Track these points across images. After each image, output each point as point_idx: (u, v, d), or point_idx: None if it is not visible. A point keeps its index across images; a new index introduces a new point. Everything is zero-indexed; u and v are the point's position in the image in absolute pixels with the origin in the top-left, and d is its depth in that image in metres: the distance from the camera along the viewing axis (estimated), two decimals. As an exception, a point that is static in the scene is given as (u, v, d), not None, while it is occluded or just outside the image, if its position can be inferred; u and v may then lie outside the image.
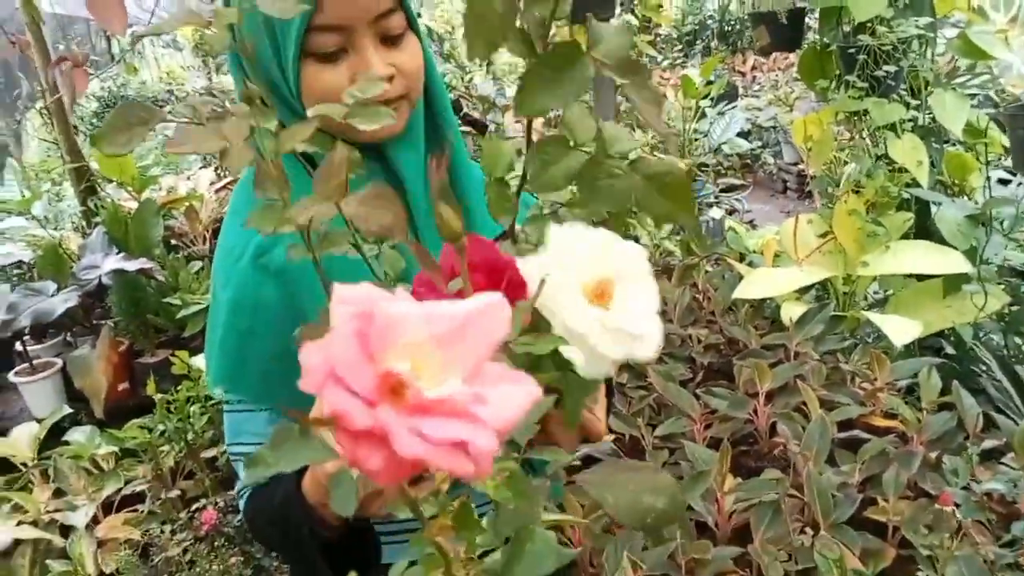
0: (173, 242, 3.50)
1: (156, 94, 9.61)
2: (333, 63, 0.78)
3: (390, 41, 0.81)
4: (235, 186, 0.98)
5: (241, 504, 0.92)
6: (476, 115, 3.64)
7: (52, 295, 2.77)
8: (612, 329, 0.37)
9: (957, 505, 1.20)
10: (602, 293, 0.38)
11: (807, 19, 2.57)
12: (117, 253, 2.94)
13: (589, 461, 1.58)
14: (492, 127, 3.92)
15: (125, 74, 9.38)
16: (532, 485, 0.36)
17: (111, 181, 3.60)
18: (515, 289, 0.51)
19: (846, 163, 2.26)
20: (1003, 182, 2.66)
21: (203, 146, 0.49)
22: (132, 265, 2.82)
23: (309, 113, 0.50)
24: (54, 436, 2.37)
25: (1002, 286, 2.05)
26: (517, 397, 0.28)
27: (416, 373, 0.28)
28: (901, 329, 1.76)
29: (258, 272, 0.82)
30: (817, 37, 2.41)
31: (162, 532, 1.93)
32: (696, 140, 4.30)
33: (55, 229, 3.73)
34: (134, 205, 3.38)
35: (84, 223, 3.51)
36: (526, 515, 0.35)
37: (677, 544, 1.27)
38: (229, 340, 0.85)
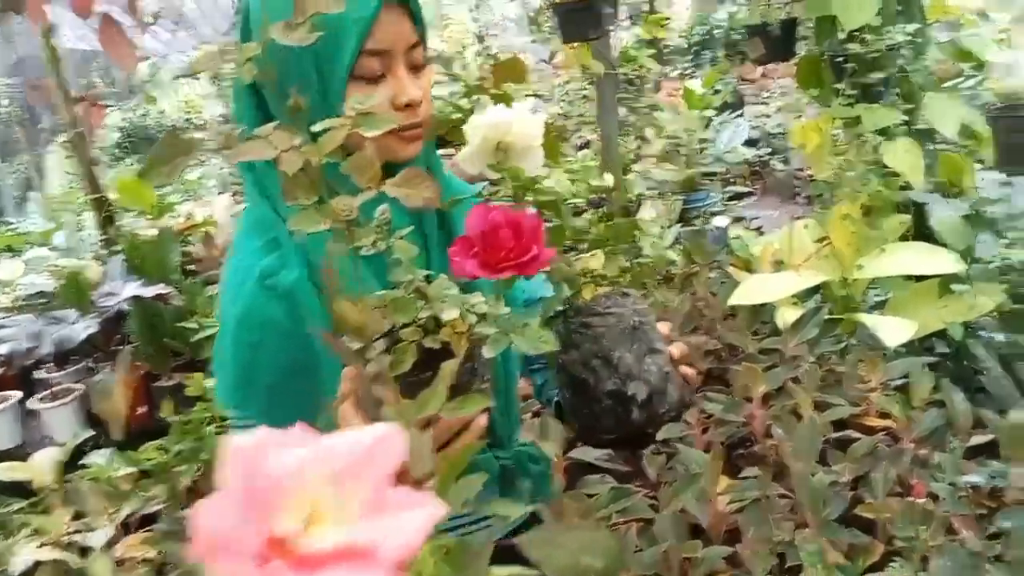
0: (190, 267, 3.58)
1: (175, 122, 9.81)
2: (375, 85, 0.86)
3: (414, 70, 0.89)
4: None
5: None
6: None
7: (73, 323, 2.85)
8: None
9: (934, 497, 1.22)
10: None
11: (800, 29, 2.60)
12: (136, 280, 3.02)
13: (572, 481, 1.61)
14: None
15: (145, 104, 9.60)
16: (472, 552, 0.39)
17: (130, 210, 3.70)
18: (536, 232, 0.61)
19: (841, 168, 2.29)
20: (1006, 184, 2.67)
21: (260, 154, 0.57)
22: (150, 291, 2.90)
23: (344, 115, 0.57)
24: (73, 460, 2.44)
25: (1004, 285, 2.06)
26: (417, 522, 0.29)
27: (314, 519, 0.29)
28: (894, 330, 1.78)
29: (264, 292, 0.86)
30: (812, 46, 2.45)
31: (178, 551, 1.98)
32: (703, 149, 4.34)
33: (76, 259, 3.82)
34: (153, 232, 3.46)
35: (104, 252, 3.60)
36: None
37: (668, 544, 1.30)
38: (237, 354, 0.89)
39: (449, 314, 0.61)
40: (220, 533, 0.28)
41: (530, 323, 0.63)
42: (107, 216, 3.55)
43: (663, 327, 0.87)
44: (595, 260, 2.49)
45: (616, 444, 0.96)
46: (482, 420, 0.67)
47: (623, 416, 0.79)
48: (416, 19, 0.88)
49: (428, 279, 0.64)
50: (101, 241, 3.66)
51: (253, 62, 0.55)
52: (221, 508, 0.28)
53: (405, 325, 0.60)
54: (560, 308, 0.82)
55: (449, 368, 0.53)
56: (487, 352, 0.61)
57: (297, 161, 0.54)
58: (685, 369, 0.87)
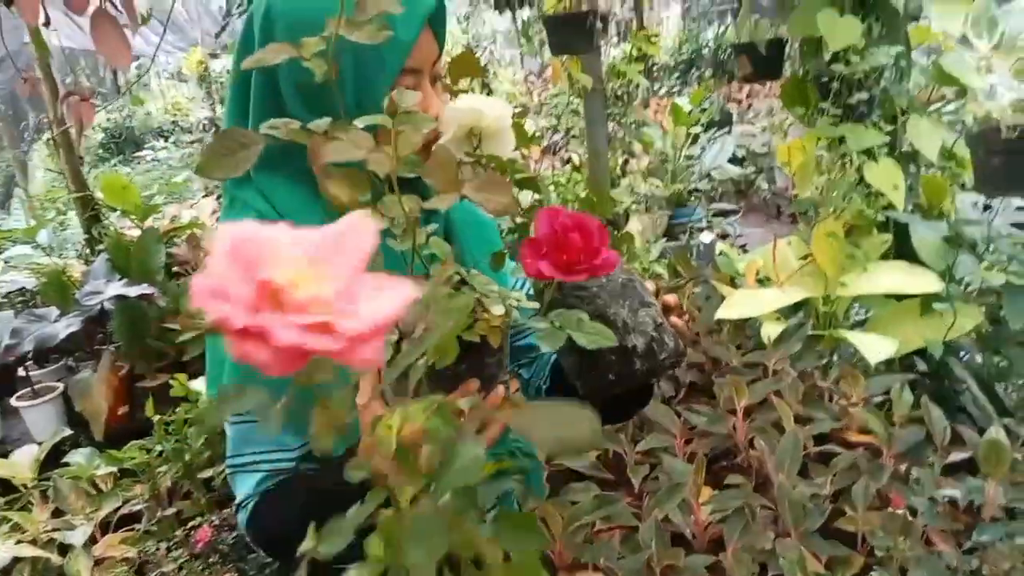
0: (175, 269, 3.57)
1: (161, 125, 9.77)
2: (414, 78, 0.90)
3: (434, 83, 0.94)
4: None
5: (243, 516, 0.95)
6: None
7: (55, 320, 2.83)
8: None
9: (912, 511, 1.25)
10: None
11: (787, 49, 2.64)
12: (119, 280, 3.00)
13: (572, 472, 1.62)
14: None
15: (132, 105, 9.55)
16: (457, 415, 0.41)
17: (115, 210, 3.68)
18: (603, 235, 0.63)
19: (825, 186, 2.33)
20: (988, 207, 2.72)
21: (346, 155, 0.59)
22: (134, 291, 2.88)
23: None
24: (53, 459, 2.42)
25: (982, 307, 2.10)
26: (391, 297, 0.33)
27: (292, 286, 0.32)
28: (876, 347, 1.81)
29: None
30: (797, 66, 2.49)
31: (157, 550, 1.97)
32: (689, 167, 4.38)
33: (59, 257, 3.80)
34: (137, 233, 3.45)
35: (88, 251, 3.58)
36: (455, 436, 0.39)
37: (652, 551, 1.32)
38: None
39: (496, 310, 0.63)
40: (214, 284, 0.31)
41: (583, 318, 0.66)
42: (92, 215, 3.53)
43: (649, 284, 0.90)
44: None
45: (623, 404, 0.98)
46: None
47: (627, 369, 0.82)
48: (439, 37, 0.93)
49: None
50: (85, 240, 3.64)
51: (320, 57, 0.57)
52: (216, 266, 0.32)
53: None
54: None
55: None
56: (544, 347, 0.63)
57: (386, 163, 0.55)
58: (675, 320, 0.89)
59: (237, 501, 0.97)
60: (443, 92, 0.97)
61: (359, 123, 0.63)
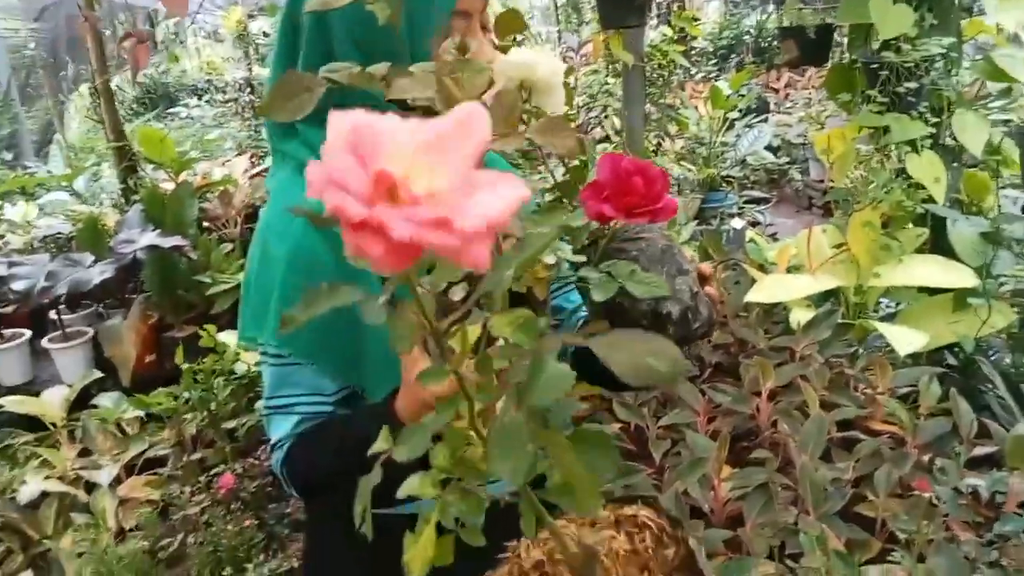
0: (206, 224, 3.61)
1: (196, 83, 9.81)
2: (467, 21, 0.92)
3: (484, 31, 0.95)
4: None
5: (277, 456, 0.97)
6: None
7: (89, 266, 2.87)
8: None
9: (938, 500, 1.25)
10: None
11: (835, 35, 2.61)
12: (153, 230, 3.04)
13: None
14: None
15: (167, 63, 9.59)
16: (547, 330, 0.41)
17: (151, 162, 3.72)
18: (665, 182, 0.64)
19: (864, 176, 2.30)
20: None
21: (415, 93, 0.58)
22: (167, 242, 2.92)
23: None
24: (81, 403, 2.47)
25: (1015, 307, 2.08)
26: (506, 193, 0.32)
27: (410, 177, 0.32)
28: (906, 339, 1.80)
29: (313, 231, 0.89)
30: (845, 52, 2.46)
31: (181, 494, 2.01)
32: (724, 152, 4.35)
33: (94, 205, 3.85)
34: (171, 186, 3.49)
35: (123, 200, 3.63)
36: (541, 350, 0.39)
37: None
38: (284, 294, 0.91)
39: (547, 259, 0.63)
40: (331, 174, 0.30)
41: (636, 269, 0.66)
42: (128, 166, 3.57)
43: (687, 251, 0.90)
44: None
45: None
46: None
47: (659, 331, 0.82)
48: None
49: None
50: (120, 190, 3.68)
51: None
52: (331, 155, 0.31)
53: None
54: (590, 239, 0.84)
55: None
56: (596, 296, 0.63)
57: (458, 96, 0.55)
58: (709, 289, 0.90)
59: (272, 441, 0.98)
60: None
61: (415, 68, 0.62)
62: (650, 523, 0.64)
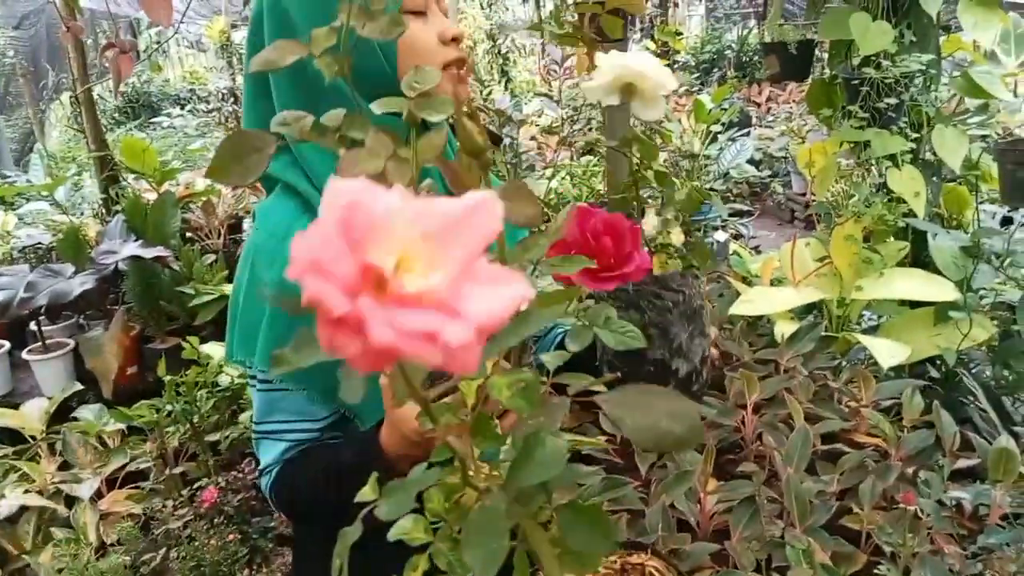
0: (188, 234, 3.59)
1: (178, 92, 9.77)
2: (422, 19, 0.93)
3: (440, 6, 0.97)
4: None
5: (266, 481, 0.97)
6: (492, 128, 3.73)
7: (70, 277, 2.85)
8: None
9: (922, 512, 1.26)
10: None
11: (816, 51, 2.64)
12: (135, 241, 3.02)
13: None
14: (507, 140, 4.00)
15: (150, 72, 9.54)
16: (548, 398, 0.40)
17: (133, 172, 3.69)
18: (636, 238, 0.61)
19: (845, 190, 2.33)
20: (1007, 220, 2.72)
21: (366, 168, 0.54)
22: (149, 253, 2.90)
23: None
24: (62, 415, 2.44)
25: (994, 320, 2.11)
26: (504, 296, 0.29)
27: (403, 267, 0.29)
28: (889, 352, 1.82)
29: None
30: (826, 68, 2.49)
31: (163, 508, 1.99)
32: (706, 165, 4.37)
33: (74, 215, 3.82)
34: (153, 196, 3.46)
35: (104, 211, 3.60)
36: (540, 425, 0.36)
37: (659, 536, 1.33)
38: (278, 318, 0.91)
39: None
40: (316, 256, 0.27)
41: (611, 315, 0.63)
42: (110, 175, 3.55)
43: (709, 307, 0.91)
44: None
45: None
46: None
47: (660, 384, 0.82)
48: None
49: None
50: (101, 200, 3.65)
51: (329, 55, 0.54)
52: (320, 234, 0.28)
53: None
54: None
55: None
56: (571, 347, 0.60)
57: (406, 173, 0.52)
58: (712, 351, 0.91)
59: (261, 466, 0.98)
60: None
61: (376, 107, 0.59)
62: (656, 573, 0.64)
